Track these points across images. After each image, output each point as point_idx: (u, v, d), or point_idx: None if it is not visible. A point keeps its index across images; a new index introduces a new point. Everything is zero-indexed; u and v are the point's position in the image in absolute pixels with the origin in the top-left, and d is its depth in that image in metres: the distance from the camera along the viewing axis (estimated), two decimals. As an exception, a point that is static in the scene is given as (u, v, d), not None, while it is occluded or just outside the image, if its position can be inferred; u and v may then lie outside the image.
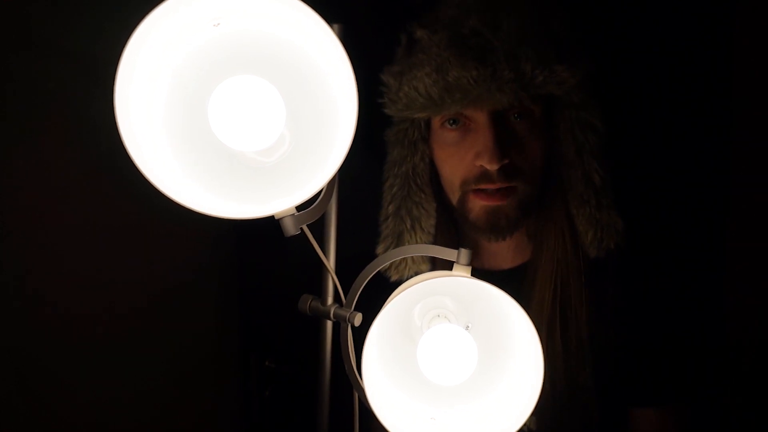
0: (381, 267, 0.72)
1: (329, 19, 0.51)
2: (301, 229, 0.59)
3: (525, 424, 0.64)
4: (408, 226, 0.87)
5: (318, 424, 0.78)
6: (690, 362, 0.88)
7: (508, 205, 0.82)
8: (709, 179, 1.05)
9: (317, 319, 0.75)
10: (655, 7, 1.05)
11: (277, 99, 0.53)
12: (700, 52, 1.04)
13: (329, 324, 0.76)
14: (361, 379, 0.62)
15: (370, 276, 0.70)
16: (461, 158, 0.83)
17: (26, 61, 0.70)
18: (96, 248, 0.81)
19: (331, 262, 0.73)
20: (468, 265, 0.65)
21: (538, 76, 0.76)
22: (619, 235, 0.83)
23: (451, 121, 0.83)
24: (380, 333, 0.63)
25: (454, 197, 0.86)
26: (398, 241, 0.88)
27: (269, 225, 0.58)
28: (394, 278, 0.89)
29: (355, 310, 0.70)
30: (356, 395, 0.72)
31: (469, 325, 0.68)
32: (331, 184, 0.66)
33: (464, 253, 0.64)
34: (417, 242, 0.88)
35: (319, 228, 0.70)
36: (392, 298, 0.62)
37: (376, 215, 0.90)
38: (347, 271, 0.72)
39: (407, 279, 0.88)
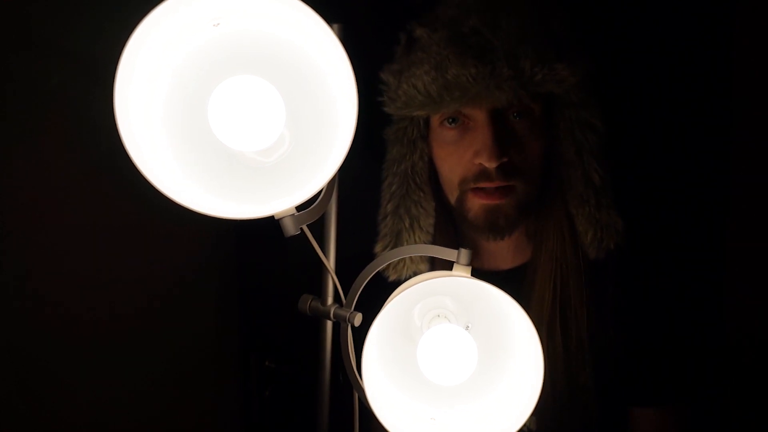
0: (381, 267, 0.72)
1: (329, 19, 0.51)
2: (301, 229, 0.59)
3: (525, 425, 0.64)
4: (407, 224, 0.87)
5: (318, 424, 0.78)
6: (690, 362, 0.88)
7: (506, 205, 0.82)
8: (709, 179, 1.05)
9: (317, 319, 0.75)
10: (655, 7, 1.05)
11: (277, 99, 0.53)
12: (700, 52, 1.04)
13: (329, 324, 0.76)
14: (361, 379, 0.62)
15: (370, 276, 0.70)
16: (460, 157, 0.83)
17: (26, 61, 0.70)
18: (96, 248, 0.81)
19: (331, 262, 0.73)
20: (468, 265, 0.65)
21: (537, 73, 0.76)
22: (619, 235, 0.83)
23: (450, 120, 0.83)
24: (380, 333, 0.63)
25: (453, 196, 0.86)
26: (397, 240, 0.88)
27: (269, 225, 0.58)
28: (392, 278, 0.89)
29: (355, 310, 0.70)
30: (356, 395, 0.72)
31: (469, 325, 0.68)
32: (331, 184, 0.66)
33: (464, 253, 0.64)
34: (415, 241, 0.88)
35: (319, 228, 0.70)
36: (392, 298, 0.62)
37: (376, 215, 0.90)
38: (347, 271, 0.72)
39: (406, 279, 0.88)
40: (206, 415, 1.08)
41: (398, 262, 0.89)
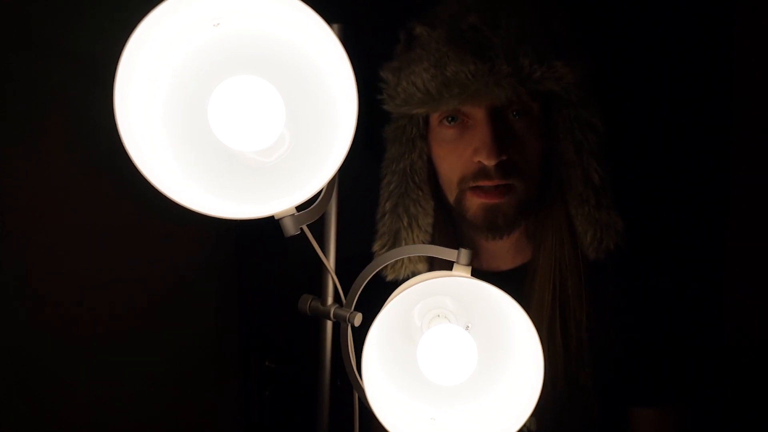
0: (381, 267, 0.72)
1: (329, 19, 0.51)
2: (301, 229, 0.59)
3: (525, 425, 0.64)
4: (405, 223, 0.87)
5: (318, 424, 0.78)
6: (690, 362, 0.88)
7: (505, 204, 0.82)
8: (709, 179, 1.05)
9: (317, 319, 0.75)
10: (654, 7, 1.05)
11: (277, 99, 0.53)
12: (700, 52, 1.04)
13: (329, 324, 0.76)
14: (361, 379, 0.62)
15: (370, 276, 0.70)
16: (459, 155, 0.83)
17: (26, 61, 0.70)
18: (96, 248, 0.81)
19: (331, 262, 0.73)
20: (468, 265, 0.65)
21: (536, 71, 0.76)
22: (619, 235, 0.83)
23: (450, 119, 0.83)
24: (380, 333, 0.63)
25: (452, 195, 0.86)
26: (395, 239, 0.88)
27: (269, 225, 0.58)
28: (390, 278, 0.89)
29: (355, 310, 0.70)
30: (356, 395, 0.72)
31: (469, 325, 0.68)
32: (331, 184, 0.66)
33: (464, 253, 0.64)
34: (414, 240, 0.88)
35: (319, 228, 0.70)
36: (392, 298, 0.62)
37: (376, 215, 0.90)
38: (347, 271, 0.72)
39: (404, 279, 0.88)
40: (206, 415, 1.08)
41: (396, 261, 0.89)
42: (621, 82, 1.03)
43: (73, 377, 0.79)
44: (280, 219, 0.57)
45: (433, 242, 0.89)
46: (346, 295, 0.71)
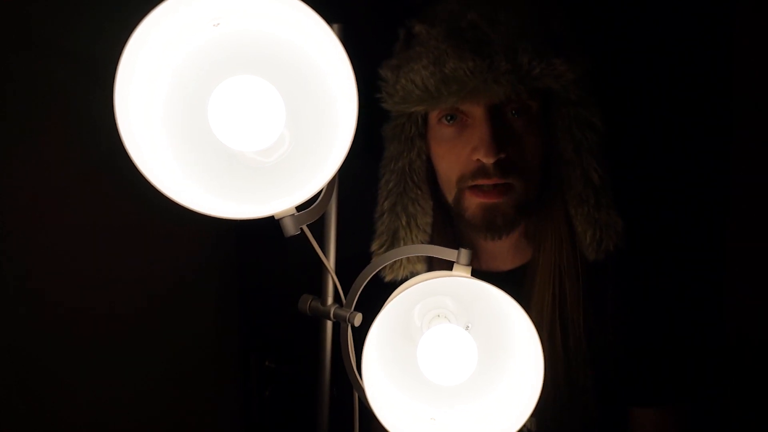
0: (381, 267, 0.72)
1: (329, 19, 0.51)
2: (301, 229, 0.59)
3: (525, 425, 0.64)
4: (403, 222, 0.87)
5: (318, 424, 0.78)
6: (690, 362, 0.88)
7: (504, 203, 0.82)
8: (709, 179, 1.05)
9: (317, 319, 0.75)
10: (654, 7, 1.05)
11: (277, 99, 0.53)
12: (700, 52, 1.04)
13: (329, 324, 0.76)
14: (361, 379, 0.62)
15: (370, 276, 0.70)
16: (458, 154, 0.82)
17: (26, 61, 0.70)
18: (96, 248, 0.81)
19: (331, 262, 0.73)
20: (468, 265, 0.65)
21: (535, 68, 0.76)
22: (619, 235, 0.83)
23: (448, 117, 0.83)
24: (380, 333, 0.63)
25: (451, 195, 0.86)
26: (393, 238, 0.88)
27: (269, 225, 0.58)
28: (388, 278, 0.89)
29: (355, 310, 0.70)
30: (356, 395, 0.72)
31: (469, 325, 0.68)
32: (331, 184, 0.66)
33: (464, 253, 0.64)
34: (412, 240, 0.87)
35: (319, 228, 0.70)
36: (392, 299, 0.62)
37: (374, 214, 0.90)
38: (347, 271, 0.72)
39: (402, 279, 0.88)
40: (206, 415, 1.08)
41: (395, 262, 0.89)
42: (621, 81, 1.03)
43: (73, 377, 0.79)
44: (280, 219, 0.57)
45: (431, 242, 0.89)
46: (346, 295, 0.71)
